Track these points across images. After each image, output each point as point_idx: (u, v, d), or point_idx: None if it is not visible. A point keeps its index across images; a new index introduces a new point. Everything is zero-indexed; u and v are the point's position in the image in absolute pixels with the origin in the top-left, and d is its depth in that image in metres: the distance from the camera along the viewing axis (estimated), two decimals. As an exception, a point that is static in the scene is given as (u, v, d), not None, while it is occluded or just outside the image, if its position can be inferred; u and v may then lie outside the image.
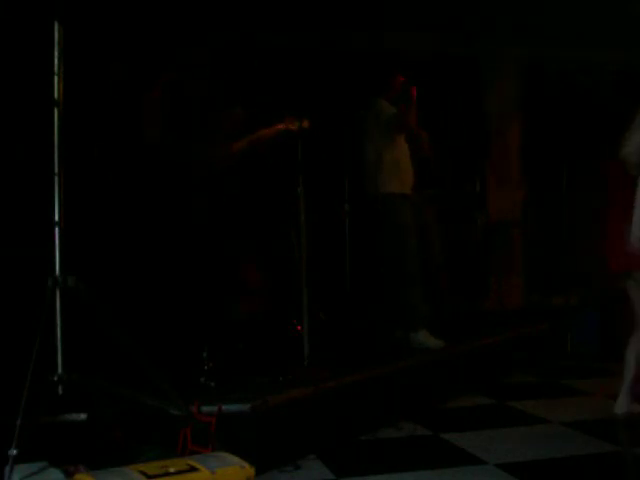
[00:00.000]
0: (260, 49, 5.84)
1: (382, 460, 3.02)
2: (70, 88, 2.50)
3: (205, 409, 2.59)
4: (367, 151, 4.54)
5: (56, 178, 2.40)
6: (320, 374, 3.33)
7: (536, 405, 3.98)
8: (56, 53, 2.44)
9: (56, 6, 2.42)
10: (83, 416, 2.51)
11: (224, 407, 2.63)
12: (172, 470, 2.10)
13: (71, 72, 2.51)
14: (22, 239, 3.06)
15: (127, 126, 3.49)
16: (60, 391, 2.35)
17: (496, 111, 7.01)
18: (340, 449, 3.13)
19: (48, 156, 2.41)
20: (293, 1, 5.46)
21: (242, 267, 3.74)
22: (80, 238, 2.79)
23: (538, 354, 5.51)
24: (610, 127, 3.54)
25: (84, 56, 3.24)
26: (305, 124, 3.74)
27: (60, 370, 2.35)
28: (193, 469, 2.13)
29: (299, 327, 3.69)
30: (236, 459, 2.25)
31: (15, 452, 2.06)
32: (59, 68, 2.44)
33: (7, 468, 2.07)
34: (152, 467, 2.12)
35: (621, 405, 3.48)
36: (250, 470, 2.23)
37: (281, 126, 3.80)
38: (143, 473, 2.06)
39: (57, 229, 2.39)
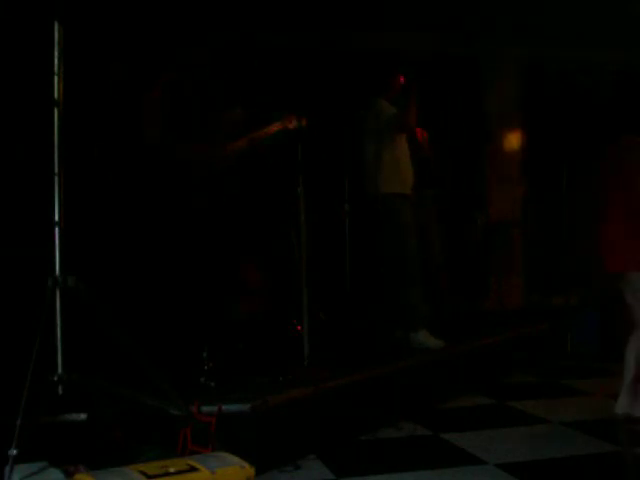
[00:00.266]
0: (260, 49, 5.84)
1: (382, 460, 3.02)
2: (70, 88, 2.50)
3: (205, 409, 2.59)
4: (367, 151, 4.54)
5: (56, 178, 2.40)
6: (320, 374, 3.33)
7: (536, 405, 3.99)
8: (56, 53, 2.44)
9: (56, 6, 2.42)
10: (83, 416, 2.51)
11: (224, 407, 2.63)
12: (172, 470, 2.10)
13: (71, 72, 2.51)
14: (22, 239, 3.06)
15: (127, 126, 3.49)
16: (60, 391, 2.35)
17: (496, 111, 7.01)
18: (340, 449, 3.13)
19: (48, 156, 2.41)
20: (294, 1, 5.46)
21: (242, 267, 3.74)
22: (80, 238, 2.79)
23: (538, 354, 5.51)
24: (610, 127, 3.54)
25: (84, 56, 3.24)
26: (304, 123, 3.74)
27: (60, 370, 2.35)
28: (193, 469, 2.13)
29: (299, 327, 3.69)
30: (236, 459, 2.25)
31: (15, 452, 2.06)
32: (59, 68, 2.44)
33: (7, 468, 2.07)
34: (152, 467, 2.12)
35: (622, 405, 3.47)
36: (250, 470, 2.23)
37: (279, 125, 3.80)
38: (143, 473, 2.06)
39: (57, 229, 2.39)
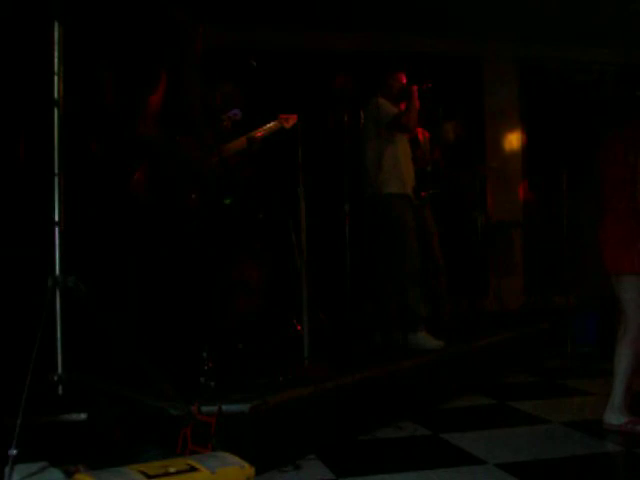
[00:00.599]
0: (259, 49, 5.83)
1: (382, 460, 3.02)
2: (70, 88, 2.50)
3: (205, 409, 2.59)
4: (367, 150, 4.53)
5: (56, 178, 2.40)
6: (320, 374, 3.33)
7: (536, 405, 3.99)
8: (56, 53, 2.44)
9: (56, 6, 2.42)
10: (83, 416, 2.51)
11: (224, 407, 2.63)
12: (172, 470, 2.10)
13: (71, 72, 2.51)
14: (22, 239, 3.06)
15: (126, 126, 3.48)
16: (60, 391, 2.35)
17: (496, 111, 7.01)
18: (340, 449, 3.13)
19: (48, 156, 2.41)
20: (295, 1, 5.47)
21: (242, 267, 3.73)
22: (80, 238, 2.79)
23: (538, 354, 5.52)
24: (610, 127, 3.53)
25: (82, 56, 3.24)
26: (297, 122, 3.75)
27: (60, 370, 2.35)
28: (193, 469, 2.13)
29: (299, 327, 3.69)
30: (236, 459, 2.25)
31: (15, 452, 2.06)
32: (59, 68, 2.44)
33: (7, 468, 2.07)
34: (152, 467, 2.12)
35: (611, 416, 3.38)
36: (250, 470, 2.23)
37: (276, 125, 3.80)
38: (143, 473, 2.06)
39: (57, 229, 2.39)
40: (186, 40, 3.54)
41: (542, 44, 6.69)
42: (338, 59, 6.05)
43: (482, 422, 3.65)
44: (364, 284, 4.54)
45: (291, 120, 3.81)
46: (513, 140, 7.11)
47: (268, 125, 3.81)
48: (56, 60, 2.44)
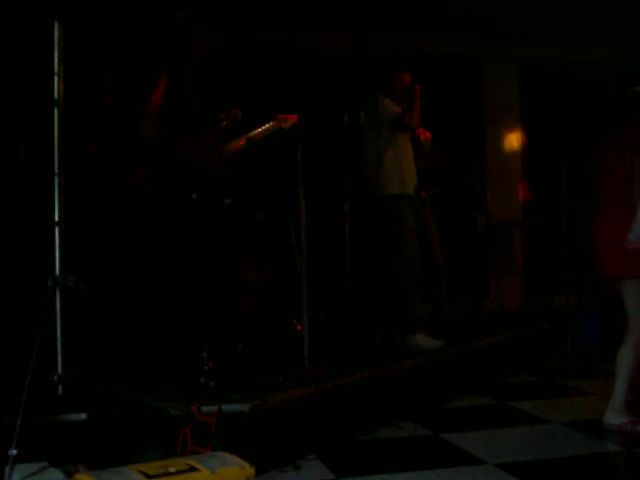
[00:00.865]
0: (260, 49, 5.84)
1: (382, 460, 3.02)
2: (70, 88, 2.50)
3: (205, 409, 2.59)
4: (368, 150, 4.51)
5: (56, 178, 2.40)
6: (320, 374, 3.33)
7: (536, 405, 3.99)
8: (56, 53, 2.44)
9: (56, 6, 2.42)
10: (83, 416, 2.51)
11: (224, 407, 2.63)
12: (172, 470, 2.10)
13: (71, 72, 2.51)
14: (22, 239, 3.06)
15: (126, 126, 3.48)
16: (60, 391, 2.35)
17: (496, 111, 7.01)
18: (340, 449, 3.13)
19: (48, 156, 2.41)
20: (295, 1, 5.46)
21: (242, 267, 3.73)
22: (80, 238, 2.79)
23: (538, 354, 5.52)
24: (608, 127, 3.53)
25: (82, 56, 3.24)
26: (297, 122, 3.75)
27: (60, 370, 2.35)
28: (193, 469, 2.13)
29: (299, 327, 3.69)
30: (236, 459, 2.25)
31: (15, 452, 2.06)
32: (59, 68, 2.44)
33: (7, 468, 2.07)
34: (152, 467, 2.12)
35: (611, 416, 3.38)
36: (250, 470, 2.23)
37: (274, 125, 3.80)
38: (143, 473, 2.06)
39: (57, 229, 2.39)
40: (186, 40, 3.54)
41: (542, 44, 6.68)
42: (338, 59, 6.05)
43: (482, 422, 3.65)
44: (364, 284, 4.53)
45: (289, 120, 3.81)
46: (513, 140, 7.11)
47: (266, 125, 3.81)
48: (56, 60, 2.44)
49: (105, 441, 2.49)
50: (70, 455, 2.31)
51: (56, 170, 2.40)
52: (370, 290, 4.60)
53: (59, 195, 2.40)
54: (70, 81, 2.52)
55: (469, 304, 6.17)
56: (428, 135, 5.28)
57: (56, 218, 2.39)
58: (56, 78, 2.44)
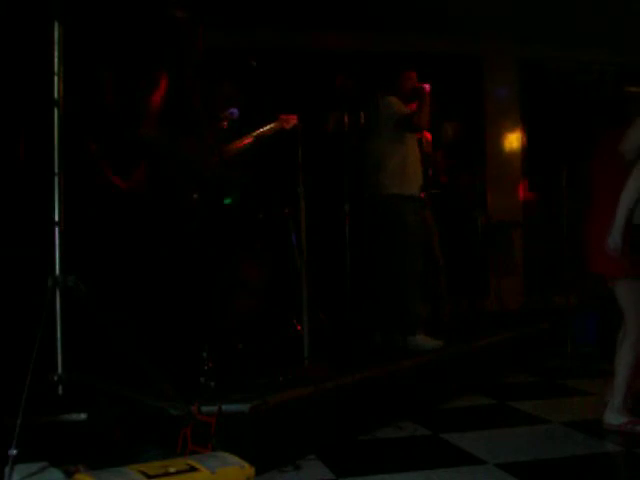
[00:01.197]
0: (259, 49, 5.83)
1: (382, 460, 3.02)
2: (70, 88, 2.50)
3: (205, 409, 2.59)
4: (372, 150, 4.46)
5: (56, 178, 2.40)
6: (320, 374, 3.33)
7: (536, 405, 3.98)
8: (56, 53, 2.44)
9: (56, 6, 2.42)
10: (83, 416, 2.51)
11: (224, 407, 2.63)
12: (172, 470, 2.10)
13: (71, 72, 2.51)
14: (22, 239, 3.06)
15: (126, 126, 3.48)
16: (60, 391, 2.35)
17: (496, 111, 7.01)
18: (340, 449, 3.13)
19: (48, 156, 2.41)
20: (295, 1, 5.46)
21: (242, 267, 3.74)
22: (80, 238, 2.79)
23: (538, 354, 5.51)
24: (607, 127, 3.53)
25: (82, 56, 3.24)
26: (297, 123, 3.75)
27: (60, 370, 2.35)
28: (193, 469, 2.13)
29: (299, 327, 3.69)
30: (236, 459, 2.25)
31: (15, 452, 2.06)
32: (59, 68, 2.44)
33: (7, 468, 2.07)
34: (152, 467, 2.12)
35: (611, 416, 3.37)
36: (250, 470, 2.23)
37: (276, 126, 3.81)
38: (143, 473, 2.06)
39: (57, 229, 2.39)
40: (186, 40, 3.54)
41: (542, 44, 6.68)
42: (338, 59, 6.05)
43: (482, 422, 3.65)
44: (364, 284, 4.53)
45: (291, 121, 3.81)
46: (513, 140, 7.11)
47: (268, 126, 3.81)
48: (56, 60, 2.44)
49: (105, 441, 2.49)
50: (70, 455, 2.31)
51: (56, 170, 2.40)
52: (370, 290, 4.59)
53: (59, 195, 2.40)
54: (70, 81, 2.52)
55: (469, 304, 6.17)
56: (428, 136, 5.27)
57: (56, 218, 2.39)
58: (56, 78, 2.44)
